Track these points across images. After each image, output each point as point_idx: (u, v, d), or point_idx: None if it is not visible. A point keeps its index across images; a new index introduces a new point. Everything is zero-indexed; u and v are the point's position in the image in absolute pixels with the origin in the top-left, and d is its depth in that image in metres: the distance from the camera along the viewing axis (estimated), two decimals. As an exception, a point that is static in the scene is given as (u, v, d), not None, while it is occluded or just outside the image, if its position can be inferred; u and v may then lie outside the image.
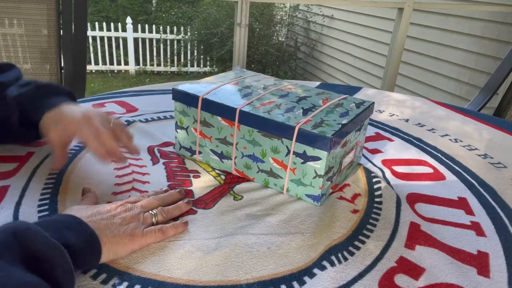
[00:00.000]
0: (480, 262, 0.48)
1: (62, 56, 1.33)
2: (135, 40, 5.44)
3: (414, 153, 0.77)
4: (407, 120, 0.94)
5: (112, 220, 0.46)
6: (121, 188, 0.58)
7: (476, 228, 0.55)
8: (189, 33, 5.68)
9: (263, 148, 0.58)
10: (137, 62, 5.57)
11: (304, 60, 5.49)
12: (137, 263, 0.44)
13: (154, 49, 5.60)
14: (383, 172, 0.68)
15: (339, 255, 0.48)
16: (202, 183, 0.61)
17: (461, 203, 0.61)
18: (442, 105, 1.07)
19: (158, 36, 5.54)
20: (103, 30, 5.29)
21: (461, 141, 0.84)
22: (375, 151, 0.76)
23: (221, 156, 0.63)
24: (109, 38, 5.37)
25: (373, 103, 0.65)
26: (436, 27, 3.25)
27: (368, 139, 0.81)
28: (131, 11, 6.77)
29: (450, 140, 0.84)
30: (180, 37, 5.66)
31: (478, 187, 0.66)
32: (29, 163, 0.62)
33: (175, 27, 5.64)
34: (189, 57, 5.72)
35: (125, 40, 5.41)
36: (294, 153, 0.56)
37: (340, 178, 0.62)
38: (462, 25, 3.06)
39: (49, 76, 1.33)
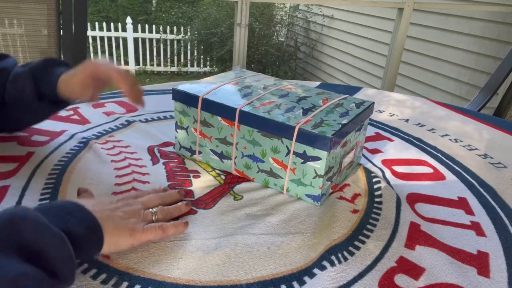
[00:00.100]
0: (480, 262, 0.48)
1: (62, 56, 1.33)
2: (135, 40, 5.44)
3: (414, 153, 0.77)
4: (407, 120, 0.94)
5: (114, 212, 0.45)
6: (121, 188, 0.58)
7: (476, 228, 0.55)
8: (189, 33, 5.68)
9: (263, 148, 0.58)
10: (137, 62, 5.57)
11: (304, 60, 5.49)
12: (137, 263, 0.44)
13: (154, 49, 5.60)
14: (383, 172, 0.68)
15: (339, 255, 0.48)
16: (202, 183, 0.61)
17: (461, 203, 0.61)
18: (442, 105, 1.07)
19: (158, 36, 5.54)
20: (103, 30, 5.29)
21: (461, 141, 0.84)
22: (375, 151, 0.76)
23: (221, 156, 0.63)
24: (109, 38, 5.37)
25: (373, 103, 0.65)
26: (436, 27, 3.25)
27: (368, 139, 0.81)
28: (131, 11, 6.77)
29: (450, 140, 0.84)
30: (180, 37, 5.66)
31: (478, 187, 0.66)
32: (29, 163, 0.62)
33: (175, 27, 5.64)
34: (189, 57, 5.72)
35: (125, 40, 5.41)
36: (294, 153, 0.56)
37: (340, 178, 0.62)
38: (462, 25, 3.05)
39: (49, 76, 1.32)
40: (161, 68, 5.65)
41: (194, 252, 0.47)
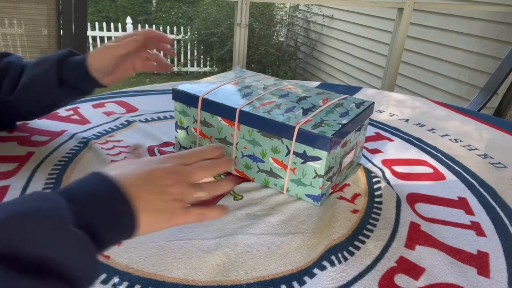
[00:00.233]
0: (480, 262, 0.48)
1: (62, 56, 1.33)
2: (135, 40, 5.44)
3: (414, 153, 0.77)
4: (407, 120, 0.94)
5: (162, 195, 0.39)
6: (121, 188, 0.58)
7: (476, 228, 0.55)
8: (189, 33, 5.68)
9: (263, 148, 0.58)
10: (137, 62, 5.56)
11: (304, 60, 5.49)
12: (137, 263, 0.44)
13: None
14: (383, 172, 0.68)
15: (339, 255, 0.48)
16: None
17: (461, 203, 0.61)
18: (442, 105, 1.07)
19: (158, 36, 5.53)
20: (103, 30, 5.29)
21: (461, 141, 0.84)
22: (375, 151, 0.76)
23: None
24: (109, 38, 5.37)
25: (373, 103, 0.65)
26: (436, 27, 3.25)
27: (368, 139, 0.81)
28: (131, 11, 6.77)
29: (450, 140, 0.84)
30: (180, 37, 5.66)
31: (478, 187, 0.66)
32: (29, 163, 0.62)
33: (175, 27, 5.64)
34: (189, 57, 5.72)
35: (125, 40, 5.40)
36: (294, 153, 0.56)
37: (340, 178, 0.62)
38: (462, 25, 3.05)
39: (49, 76, 1.32)
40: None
41: (194, 252, 0.47)
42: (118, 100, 0.91)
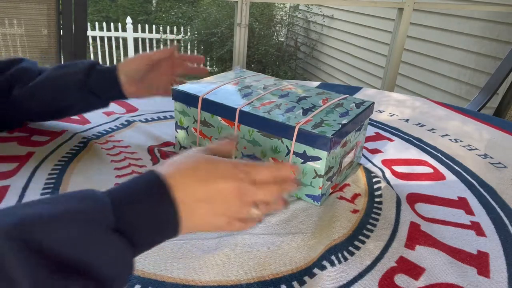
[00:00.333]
0: (480, 262, 0.48)
1: (62, 56, 1.33)
2: (135, 40, 5.44)
3: (414, 153, 0.77)
4: (407, 120, 0.94)
5: (217, 209, 0.38)
6: (121, 188, 0.58)
7: (476, 228, 0.55)
8: (189, 33, 5.68)
9: (263, 148, 0.58)
10: (137, 62, 5.56)
11: (304, 60, 5.49)
12: (137, 263, 0.44)
13: (154, 49, 5.60)
14: (383, 172, 0.68)
15: (339, 255, 0.48)
16: (202, 183, 0.61)
17: (461, 203, 0.61)
18: (442, 105, 1.07)
19: (158, 36, 5.53)
20: (103, 30, 5.28)
21: (461, 141, 0.84)
22: (375, 151, 0.76)
23: (221, 156, 0.63)
24: (109, 38, 5.37)
25: (373, 103, 0.65)
26: (436, 27, 3.25)
27: (368, 139, 0.81)
28: (131, 11, 6.77)
29: (450, 140, 0.84)
30: (180, 37, 5.66)
31: (478, 187, 0.66)
32: (29, 163, 0.62)
33: (175, 27, 5.63)
34: (189, 57, 5.72)
35: (125, 40, 5.41)
36: (294, 153, 0.56)
37: (340, 178, 0.62)
38: (462, 25, 3.05)
39: (49, 76, 1.32)
40: (161, 68, 5.64)
41: (194, 252, 0.47)
42: (118, 100, 0.91)
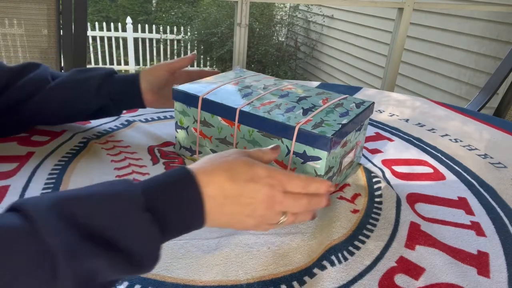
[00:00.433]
0: (480, 262, 0.48)
1: (62, 56, 1.33)
2: (135, 40, 5.44)
3: (414, 153, 0.77)
4: (407, 120, 0.94)
5: (244, 211, 0.39)
6: (121, 188, 0.58)
7: (476, 228, 0.55)
8: (189, 33, 5.68)
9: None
10: (137, 62, 5.57)
11: (304, 60, 5.49)
12: (137, 263, 0.44)
13: (154, 49, 5.60)
14: (383, 172, 0.68)
15: (339, 255, 0.48)
16: (202, 183, 0.61)
17: (461, 203, 0.61)
18: (442, 105, 1.07)
19: (158, 36, 5.54)
20: (103, 30, 5.29)
21: (461, 141, 0.84)
22: (375, 151, 0.76)
23: (221, 156, 0.63)
24: (109, 38, 5.37)
25: (373, 103, 0.65)
26: (436, 27, 3.25)
27: (368, 139, 0.81)
28: (131, 11, 6.77)
29: (450, 140, 0.84)
30: (180, 37, 5.66)
31: (478, 187, 0.66)
32: (29, 163, 0.62)
33: (175, 27, 5.64)
34: (189, 57, 5.72)
35: (125, 40, 5.41)
36: (294, 153, 0.56)
37: (340, 178, 0.62)
38: (462, 25, 3.06)
39: (49, 76, 1.32)
40: (161, 68, 5.64)
41: (194, 252, 0.47)
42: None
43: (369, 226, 0.54)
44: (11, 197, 0.53)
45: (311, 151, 0.54)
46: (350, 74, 4.44)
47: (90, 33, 5.15)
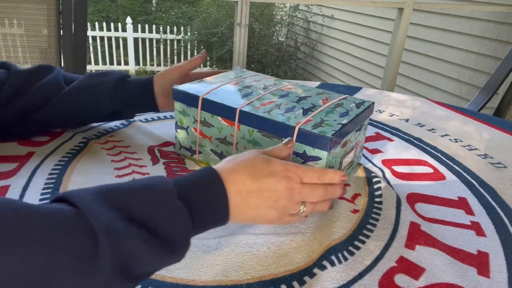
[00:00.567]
0: (480, 262, 0.48)
1: (62, 56, 1.33)
2: (135, 40, 5.45)
3: (414, 153, 0.77)
4: (407, 120, 0.94)
5: (266, 203, 0.43)
6: (121, 188, 0.58)
7: (476, 228, 0.55)
8: (189, 33, 5.69)
9: (263, 148, 0.58)
10: (137, 62, 5.57)
11: (304, 60, 5.49)
12: (137, 263, 0.44)
13: (154, 49, 5.60)
14: (383, 172, 0.68)
15: (339, 255, 0.48)
16: (202, 183, 0.61)
17: (461, 203, 0.61)
18: (442, 105, 1.07)
19: (158, 36, 5.54)
20: (103, 30, 5.29)
21: (461, 141, 0.84)
22: (375, 151, 0.76)
23: (221, 156, 0.63)
24: (109, 38, 5.37)
25: (373, 103, 0.65)
26: (436, 27, 3.25)
27: (368, 139, 0.81)
28: (131, 11, 6.78)
29: (450, 140, 0.84)
30: (180, 37, 5.66)
31: (478, 187, 0.66)
32: (29, 163, 0.62)
33: (175, 27, 5.64)
34: (189, 57, 5.72)
35: (125, 40, 5.41)
36: (294, 153, 0.56)
37: (340, 178, 0.62)
38: (462, 25, 3.06)
39: (49, 76, 1.32)
40: (161, 68, 5.65)
41: (194, 252, 0.47)
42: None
43: (369, 226, 0.54)
44: (11, 197, 0.53)
45: (311, 151, 0.54)
46: (350, 74, 4.44)
47: (90, 33, 5.15)
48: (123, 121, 0.79)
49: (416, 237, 0.52)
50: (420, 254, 0.49)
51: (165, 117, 0.83)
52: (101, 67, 5.37)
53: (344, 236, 0.51)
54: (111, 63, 5.45)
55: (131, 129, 0.76)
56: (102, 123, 0.77)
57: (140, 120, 0.80)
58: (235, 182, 0.41)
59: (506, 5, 2.62)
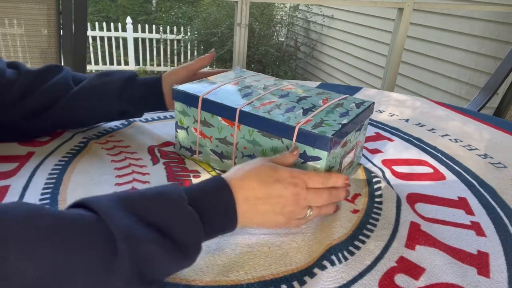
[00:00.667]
0: (480, 262, 0.49)
1: (62, 56, 1.33)
2: (135, 40, 5.45)
3: (414, 153, 0.77)
4: (407, 120, 0.94)
5: (274, 209, 0.46)
6: (121, 188, 0.58)
7: (476, 228, 0.55)
8: (189, 33, 5.69)
9: (263, 148, 0.58)
10: (137, 62, 5.57)
11: (304, 60, 5.49)
12: (137, 263, 0.44)
13: (154, 49, 5.60)
14: (383, 172, 0.69)
15: (340, 255, 0.48)
16: (202, 183, 0.61)
17: (461, 203, 0.61)
18: (442, 105, 1.07)
19: (158, 36, 5.54)
20: (103, 30, 5.29)
21: (461, 141, 0.84)
22: (375, 151, 0.76)
23: (221, 156, 0.63)
24: (109, 38, 5.37)
25: (373, 103, 0.65)
26: (436, 27, 3.25)
27: (368, 139, 0.81)
28: (131, 11, 6.78)
29: (450, 140, 0.84)
30: (180, 37, 5.66)
31: (478, 187, 0.66)
32: (29, 163, 0.62)
33: (175, 27, 5.64)
34: (189, 57, 5.72)
35: (125, 40, 5.41)
36: (294, 153, 0.56)
37: (340, 178, 0.62)
38: (462, 25, 3.06)
39: (49, 76, 1.32)
40: (161, 68, 5.65)
41: (194, 252, 0.47)
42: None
43: (369, 226, 0.54)
44: (11, 197, 0.53)
45: (311, 151, 0.54)
46: (350, 74, 4.44)
47: (90, 33, 5.15)
48: (123, 121, 0.79)
49: (416, 237, 0.52)
50: (420, 254, 0.49)
51: (165, 117, 0.83)
52: (101, 67, 5.37)
53: (344, 236, 0.51)
54: (111, 63, 5.45)
55: (131, 129, 0.76)
56: (102, 123, 0.77)
57: (140, 120, 0.80)
58: (243, 189, 0.43)
59: (506, 5, 2.62)
